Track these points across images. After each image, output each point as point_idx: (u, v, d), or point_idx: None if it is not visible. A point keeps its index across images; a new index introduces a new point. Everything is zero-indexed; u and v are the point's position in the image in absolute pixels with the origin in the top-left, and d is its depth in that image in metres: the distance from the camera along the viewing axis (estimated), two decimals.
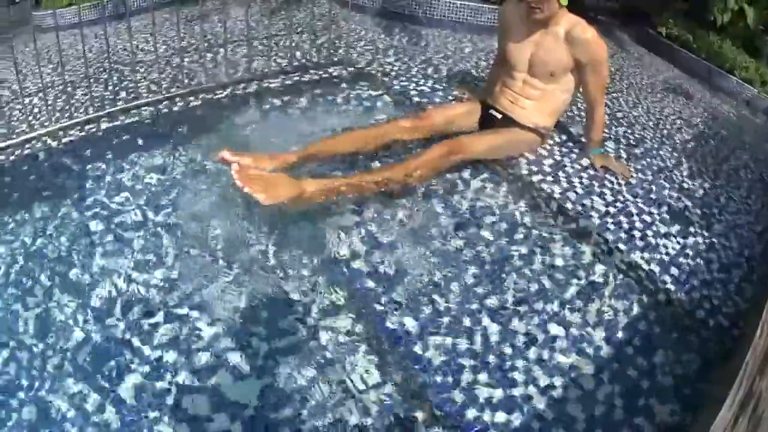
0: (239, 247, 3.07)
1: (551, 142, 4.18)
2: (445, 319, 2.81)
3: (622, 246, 3.38)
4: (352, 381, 2.49)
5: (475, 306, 2.90)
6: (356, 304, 2.83)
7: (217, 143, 3.82)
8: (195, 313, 2.72)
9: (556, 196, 3.64)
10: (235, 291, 2.84)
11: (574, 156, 4.10)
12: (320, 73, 5.01)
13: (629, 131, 4.80)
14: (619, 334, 2.89)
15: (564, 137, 4.32)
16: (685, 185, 4.16)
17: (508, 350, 2.71)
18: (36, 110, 4.47)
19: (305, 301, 2.82)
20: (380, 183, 3.33)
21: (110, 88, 4.65)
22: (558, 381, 2.61)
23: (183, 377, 2.46)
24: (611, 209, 3.64)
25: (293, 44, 5.48)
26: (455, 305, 2.89)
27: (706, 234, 3.70)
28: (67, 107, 4.36)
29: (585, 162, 4.04)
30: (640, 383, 2.69)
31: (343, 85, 4.79)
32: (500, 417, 2.44)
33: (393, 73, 5.04)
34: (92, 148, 3.86)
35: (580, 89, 3.86)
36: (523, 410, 2.48)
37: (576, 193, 3.71)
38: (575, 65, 3.69)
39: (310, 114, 4.30)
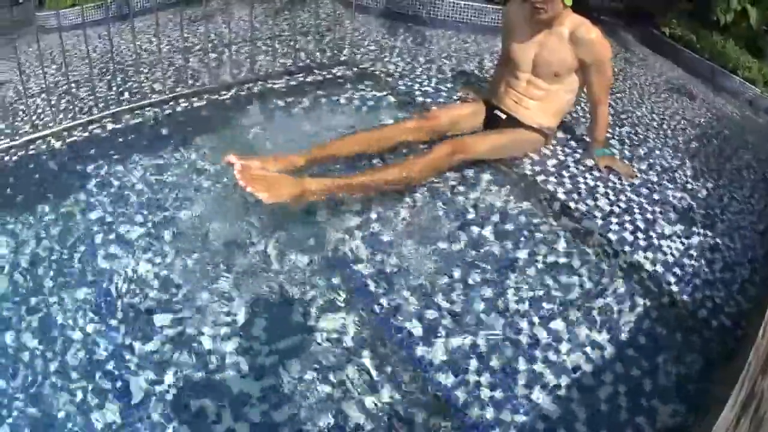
0: (242, 247, 3.07)
1: (555, 142, 4.18)
2: (449, 320, 2.81)
3: (625, 246, 3.38)
4: (354, 381, 2.50)
5: (478, 306, 2.90)
6: (359, 305, 2.83)
7: (221, 144, 3.83)
8: (198, 313, 2.73)
9: (560, 196, 3.65)
10: (239, 291, 2.85)
11: (577, 156, 4.10)
12: (324, 73, 5.01)
13: (633, 131, 4.80)
14: (623, 335, 2.89)
15: (568, 137, 4.32)
16: (689, 185, 4.16)
17: (511, 350, 2.71)
18: (40, 111, 4.48)
19: (307, 301, 2.82)
20: (383, 182, 3.33)
21: (114, 88, 4.66)
22: (562, 381, 2.62)
23: (184, 377, 2.46)
24: (615, 209, 3.64)
25: (297, 45, 5.48)
26: (459, 305, 2.89)
27: (709, 234, 3.70)
28: (70, 108, 4.37)
29: (589, 162, 4.04)
30: (642, 383, 2.69)
31: (347, 85, 4.79)
32: (504, 417, 2.44)
33: (397, 74, 5.05)
34: (96, 149, 3.86)
35: (584, 89, 3.86)
36: (527, 410, 2.48)
37: (579, 193, 3.71)
38: (579, 65, 3.69)
39: (315, 114, 4.30)
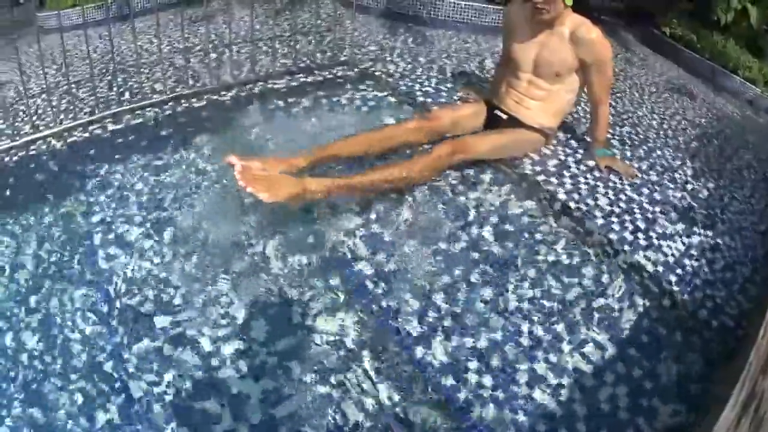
0: (242, 247, 3.08)
1: (555, 142, 4.18)
2: (449, 320, 2.81)
3: (626, 246, 3.38)
4: (354, 382, 2.50)
5: (478, 306, 2.90)
6: (359, 305, 2.84)
7: (221, 144, 3.83)
8: (197, 314, 2.73)
9: (561, 196, 3.65)
10: (238, 291, 2.85)
11: (578, 156, 4.10)
12: (325, 74, 5.01)
13: (633, 131, 4.80)
14: (623, 335, 2.89)
15: (568, 137, 4.33)
16: (689, 185, 4.16)
17: (512, 351, 2.72)
18: (40, 111, 4.48)
19: (307, 301, 2.83)
20: (383, 182, 3.33)
21: (114, 89, 4.66)
22: (562, 381, 2.62)
23: (184, 378, 2.46)
24: (615, 209, 3.64)
25: (298, 45, 5.48)
26: (459, 306, 2.89)
27: (709, 234, 3.70)
28: (71, 108, 4.37)
29: (589, 162, 4.04)
30: (643, 383, 2.69)
31: (348, 86, 4.79)
32: (505, 417, 2.45)
33: (397, 74, 5.04)
34: (96, 150, 3.87)
35: (585, 89, 3.86)
36: (527, 410, 2.48)
37: (580, 193, 3.71)
38: (580, 65, 3.69)
39: (315, 115, 4.30)
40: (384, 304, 2.85)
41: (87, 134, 4.04)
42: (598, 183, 3.85)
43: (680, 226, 3.66)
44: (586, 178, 3.87)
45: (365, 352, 2.62)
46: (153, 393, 2.41)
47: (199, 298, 2.80)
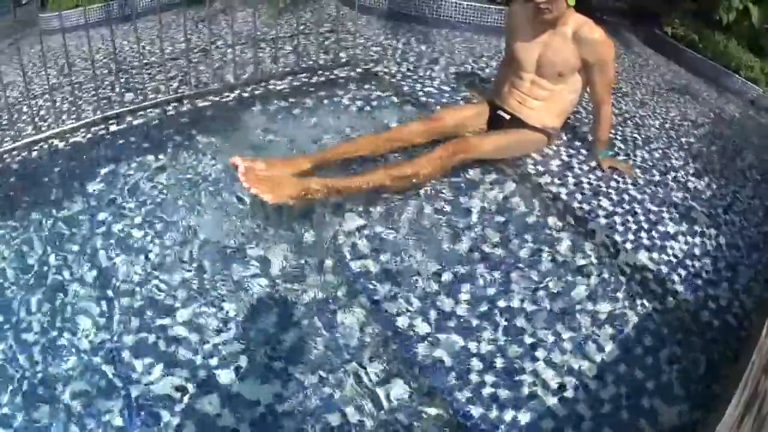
0: (245, 247, 3.08)
1: (558, 142, 4.18)
2: (453, 320, 2.81)
3: (629, 246, 3.38)
4: (356, 382, 2.50)
5: (482, 306, 2.90)
6: (364, 305, 2.84)
7: (225, 145, 3.84)
8: (199, 314, 2.73)
9: (563, 196, 3.64)
10: (241, 291, 2.85)
11: (581, 156, 4.10)
12: (327, 74, 5.02)
13: (636, 131, 4.80)
14: (626, 334, 2.89)
15: (571, 137, 4.32)
16: (691, 185, 4.16)
17: (515, 350, 2.72)
18: (43, 112, 4.49)
19: (309, 301, 2.83)
20: (387, 182, 3.33)
21: (117, 89, 4.66)
22: (565, 381, 2.62)
23: (191, 376, 2.47)
24: (618, 209, 3.64)
25: (300, 46, 5.49)
26: (462, 305, 2.89)
27: (712, 234, 3.69)
28: (73, 109, 4.37)
29: (592, 162, 4.04)
30: (646, 383, 2.69)
31: (351, 86, 4.79)
32: (508, 416, 2.45)
33: (400, 75, 5.05)
34: (98, 150, 3.87)
35: (587, 89, 3.86)
36: (530, 410, 2.48)
37: (583, 193, 3.71)
38: (582, 65, 3.69)
39: (318, 115, 4.30)
40: (386, 303, 2.85)
41: (89, 135, 4.05)
42: (601, 183, 3.85)
43: (683, 227, 3.66)
44: (588, 178, 3.87)
45: (368, 352, 2.62)
46: (160, 392, 2.41)
47: (201, 298, 2.81)
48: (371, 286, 2.93)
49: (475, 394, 2.51)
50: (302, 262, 3.03)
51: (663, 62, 7.45)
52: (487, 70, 5.40)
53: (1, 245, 3.11)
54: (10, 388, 2.43)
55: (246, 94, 4.62)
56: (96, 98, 4.43)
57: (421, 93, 4.71)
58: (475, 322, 2.82)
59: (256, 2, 5.62)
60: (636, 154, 4.37)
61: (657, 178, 4.10)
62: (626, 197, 3.77)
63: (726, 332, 3.05)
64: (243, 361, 2.54)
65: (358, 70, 5.10)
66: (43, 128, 4.15)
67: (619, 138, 4.56)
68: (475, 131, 3.93)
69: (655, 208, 3.74)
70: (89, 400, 2.38)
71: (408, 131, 3.81)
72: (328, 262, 3.04)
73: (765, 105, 6.91)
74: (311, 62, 5.23)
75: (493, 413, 2.45)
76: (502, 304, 2.93)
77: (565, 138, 4.28)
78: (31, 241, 3.13)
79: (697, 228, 3.69)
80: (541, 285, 3.06)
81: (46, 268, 2.98)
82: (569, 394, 2.57)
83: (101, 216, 3.28)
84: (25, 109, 4.46)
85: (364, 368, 2.55)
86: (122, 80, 4.84)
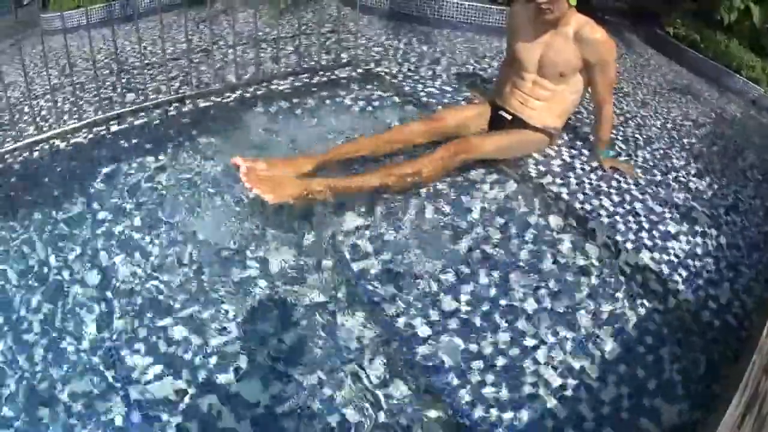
0: (246, 248, 3.08)
1: (559, 142, 4.18)
2: (453, 320, 2.82)
3: (629, 246, 3.38)
4: (361, 382, 2.50)
5: (483, 306, 2.90)
6: (365, 305, 2.84)
7: (227, 145, 3.84)
8: (203, 314, 2.74)
9: (565, 196, 3.64)
10: (242, 292, 2.86)
11: (582, 156, 4.09)
12: (329, 74, 5.01)
13: (637, 132, 4.80)
14: (627, 334, 2.90)
15: (572, 137, 4.32)
16: (693, 185, 4.16)
17: (517, 350, 2.72)
18: (44, 112, 4.49)
19: (314, 301, 2.83)
20: (388, 183, 3.34)
21: (118, 90, 4.67)
22: (566, 381, 2.62)
23: (191, 377, 2.47)
24: (619, 210, 3.64)
25: (302, 46, 5.49)
26: (464, 306, 2.89)
27: (714, 234, 3.69)
28: (75, 109, 4.37)
29: (593, 162, 4.04)
30: (647, 383, 2.69)
31: (352, 86, 4.79)
32: (508, 416, 2.45)
33: (401, 75, 5.04)
34: (100, 150, 3.88)
35: (589, 89, 3.86)
36: (531, 409, 2.49)
37: (584, 193, 3.71)
38: (584, 65, 3.68)
39: (320, 116, 4.30)
40: (386, 304, 2.85)
41: (91, 135, 4.05)
42: (602, 183, 3.85)
43: (684, 227, 3.66)
44: (590, 178, 3.87)
45: (369, 352, 2.62)
46: (161, 392, 2.41)
47: (202, 298, 2.81)
48: (372, 287, 2.94)
49: (475, 395, 2.51)
50: (303, 262, 3.03)
51: (664, 62, 7.45)
52: (489, 71, 5.40)
53: (2, 245, 3.11)
54: (10, 388, 2.43)
55: (247, 95, 4.62)
56: (97, 98, 4.43)
57: (422, 93, 4.71)
58: (475, 323, 2.82)
59: (257, 3, 5.62)
60: (637, 154, 4.37)
61: (658, 178, 4.10)
62: (627, 197, 3.77)
63: (726, 332, 3.06)
64: (243, 362, 2.55)
65: (360, 70, 5.10)
66: (45, 128, 4.15)
67: (620, 138, 4.56)
68: (476, 131, 3.93)
69: (656, 208, 3.74)
70: (89, 400, 2.38)
71: (409, 131, 3.81)
72: (329, 263, 3.04)
73: (766, 105, 6.91)
74: (313, 63, 5.24)
75: (494, 413, 2.45)
76: (503, 304, 2.93)
77: (566, 138, 4.28)
78: (32, 241, 3.14)
79: (698, 228, 3.69)
80: (542, 285, 3.07)
81: (46, 268, 2.98)
82: (570, 394, 2.58)
83: (102, 216, 3.29)
84: (26, 109, 4.46)
85: (365, 369, 2.55)
86: (123, 80, 4.85)
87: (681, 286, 3.22)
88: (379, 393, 2.47)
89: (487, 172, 3.75)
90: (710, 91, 6.78)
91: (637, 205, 3.72)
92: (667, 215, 3.71)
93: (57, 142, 3.99)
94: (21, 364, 2.52)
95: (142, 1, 7.30)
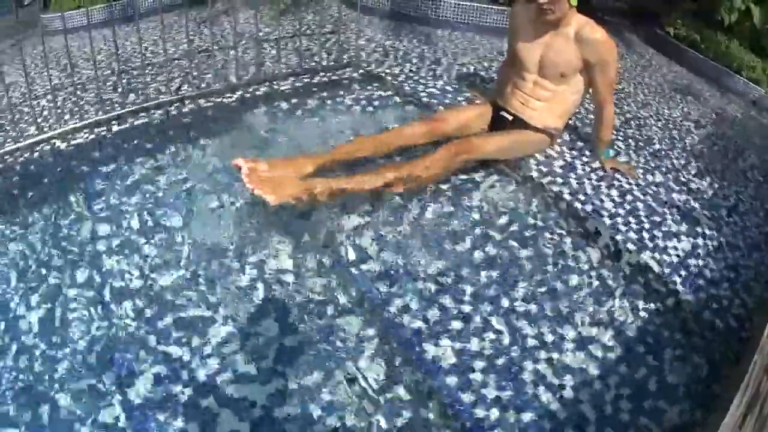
0: (248, 248, 3.08)
1: (560, 142, 4.18)
2: (455, 320, 2.82)
3: (630, 246, 3.38)
4: (362, 382, 2.50)
5: (485, 307, 2.90)
6: (365, 305, 2.84)
7: (227, 145, 3.84)
8: (204, 314, 2.74)
9: (566, 196, 3.64)
10: (244, 292, 2.86)
11: (583, 157, 4.10)
12: (330, 75, 5.01)
13: (638, 132, 4.80)
14: (628, 335, 2.90)
15: (573, 138, 4.33)
16: (694, 186, 4.16)
17: (517, 351, 2.72)
18: (45, 113, 4.49)
19: (314, 302, 2.83)
20: (389, 183, 3.33)
21: (119, 90, 4.67)
22: (567, 381, 2.62)
23: (193, 377, 2.47)
24: (620, 210, 3.64)
25: (303, 47, 5.49)
26: (465, 306, 2.89)
27: (714, 235, 3.69)
28: (76, 109, 4.38)
29: (594, 163, 4.04)
30: (648, 383, 2.69)
31: (353, 87, 4.80)
32: (510, 417, 2.45)
33: (402, 75, 5.04)
34: (101, 151, 3.88)
35: (590, 90, 3.86)
36: (531, 411, 2.49)
37: (585, 193, 3.71)
38: (584, 65, 3.68)
39: (321, 116, 4.31)
40: (390, 303, 2.86)
41: (92, 136, 4.05)
42: (603, 183, 3.85)
43: (684, 227, 3.66)
44: (591, 178, 3.87)
45: (370, 352, 2.62)
46: (163, 392, 2.41)
47: (203, 299, 2.81)
48: (372, 287, 2.94)
49: (476, 395, 2.51)
50: (303, 262, 3.03)
51: (665, 62, 7.45)
52: (490, 71, 5.40)
53: (2, 245, 3.12)
54: (8, 388, 2.43)
55: (248, 95, 4.62)
56: (98, 99, 4.44)
57: (423, 94, 4.71)
58: (476, 323, 2.82)
59: (257, 3, 5.62)
60: (638, 155, 4.38)
61: (659, 178, 4.10)
62: (628, 198, 3.77)
63: (727, 333, 3.05)
64: (242, 362, 2.55)
65: (361, 71, 5.10)
66: (46, 129, 4.14)
67: (621, 138, 4.57)
68: (477, 132, 3.93)
69: (657, 209, 3.74)
70: (86, 401, 2.38)
71: (410, 132, 3.81)
72: (329, 262, 3.04)
73: (767, 106, 6.91)
74: (314, 63, 5.24)
75: (495, 414, 2.45)
76: (503, 304, 2.93)
77: (567, 138, 4.28)
78: (33, 241, 3.14)
79: (698, 229, 3.69)
80: (543, 285, 3.07)
81: (47, 268, 2.98)
82: (570, 394, 2.58)
83: (103, 216, 3.29)
84: (27, 109, 4.46)
85: (365, 369, 2.55)
86: (124, 81, 4.84)
87: (681, 287, 3.22)
88: (379, 393, 2.47)
89: (489, 172, 3.76)
90: (711, 92, 6.78)
91: (638, 206, 3.72)
92: (668, 216, 3.71)
93: (58, 142, 3.99)
94: (19, 365, 2.52)
95: (143, 2, 7.30)
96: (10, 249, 3.09)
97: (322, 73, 5.02)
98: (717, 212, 3.93)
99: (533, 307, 2.94)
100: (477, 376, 2.58)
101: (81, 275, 2.94)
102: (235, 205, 3.33)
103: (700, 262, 3.43)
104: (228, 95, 4.60)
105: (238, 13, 6.09)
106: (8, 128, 4.19)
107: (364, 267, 3.04)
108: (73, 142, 3.98)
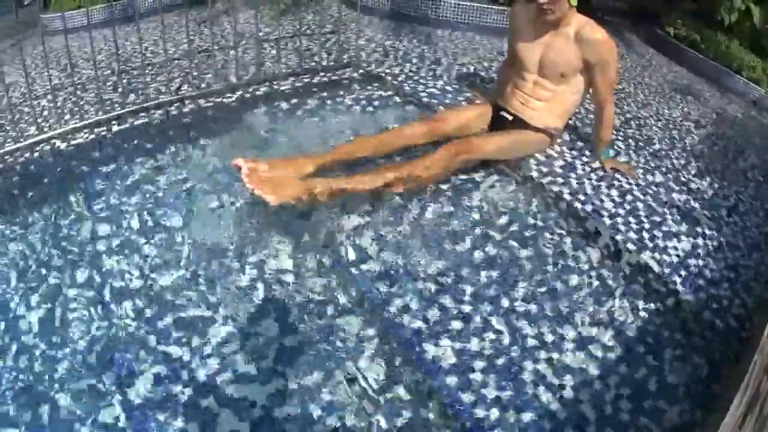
0: (248, 248, 3.08)
1: (560, 142, 4.18)
2: (455, 320, 2.82)
3: (630, 246, 3.38)
4: (362, 382, 2.50)
5: (485, 307, 2.90)
6: (365, 305, 2.84)
7: (227, 145, 3.84)
8: (204, 314, 2.74)
9: (566, 196, 3.64)
10: (244, 292, 2.86)
11: (583, 157, 4.09)
12: (330, 75, 5.01)
13: (638, 132, 4.80)
14: (628, 335, 2.90)
15: (573, 138, 4.32)
16: (694, 186, 4.16)
17: (517, 351, 2.72)
18: (45, 113, 4.48)
19: (315, 302, 2.83)
20: (389, 183, 3.33)
21: (119, 90, 4.67)
22: (567, 381, 2.62)
23: (193, 377, 2.47)
24: (620, 210, 3.63)
25: (303, 46, 5.49)
26: (465, 306, 2.89)
27: (714, 235, 3.69)
28: (76, 109, 4.38)
29: (594, 163, 4.04)
30: (648, 383, 2.69)
31: (353, 87, 4.80)
32: (510, 417, 2.45)
33: (402, 75, 5.04)
34: (101, 151, 3.88)
35: (590, 90, 3.86)
36: (531, 411, 2.49)
37: (585, 194, 3.70)
38: (584, 65, 3.68)
39: (321, 116, 4.31)
40: (390, 304, 2.86)
41: (92, 136, 4.05)
42: (603, 183, 3.85)
43: (684, 227, 3.66)
44: (591, 178, 3.87)
45: (370, 352, 2.62)
46: (163, 392, 2.41)
47: (200, 300, 2.81)
48: (372, 287, 2.94)
49: (476, 395, 2.51)
50: (303, 262, 3.03)
51: (665, 62, 7.45)
52: (490, 71, 5.40)
53: (2, 245, 3.12)
54: (8, 388, 2.43)
55: (248, 95, 4.62)
56: (98, 99, 4.44)
57: (423, 94, 4.71)
58: (476, 323, 2.82)
59: (257, 3, 5.62)
60: (638, 155, 4.38)
61: (659, 178, 4.10)
62: (628, 198, 3.77)
63: (727, 333, 3.05)
64: (242, 363, 2.55)
65: (361, 71, 5.10)
66: (46, 129, 4.14)
67: (621, 138, 4.57)
68: (477, 132, 3.93)
69: (657, 209, 3.74)
70: (86, 401, 2.38)
71: (410, 132, 3.80)
72: (329, 262, 3.04)
73: (767, 105, 6.91)
74: (314, 63, 5.24)
75: (495, 414, 2.45)
76: (503, 304, 2.93)
77: (567, 138, 4.28)
78: (33, 241, 3.14)
79: (698, 229, 3.69)
80: (543, 285, 3.07)
81: (47, 268, 2.98)
82: (570, 394, 2.58)
83: (103, 216, 3.29)
84: (27, 109, 4.46)
85: (365, 369, 2.55)
86: (124, 81, 4.84)
87: (681, 287, 3.21)
88: (379, 393, 2.47)
89: (489, 172, 3.76)
90: (711, 92, 6.78)
91: (639, 206, 3.72)
92: (668, 216, 3.71)
93: (58, 142, 3.99)
94: (19, 365, 2.52)
95: (143, 2, 7.30)
96: (10, 249, 3.10)
97: (322, 73, 5.02)
98: (717, 212, 3.93)
99: (533, 307, 2.94)
100: (477, 376, 2.58)
101: (81, 275, 2.94)
102: (235, 205, 3.33)
103: (700, 262, 3.43)
104: (228, 95, 4.60)
105: (238, 13, 6.08)
106: (8, 128, 4.19)
107: (364, 267, 3.04)
108: (73, 142, 3.98)
